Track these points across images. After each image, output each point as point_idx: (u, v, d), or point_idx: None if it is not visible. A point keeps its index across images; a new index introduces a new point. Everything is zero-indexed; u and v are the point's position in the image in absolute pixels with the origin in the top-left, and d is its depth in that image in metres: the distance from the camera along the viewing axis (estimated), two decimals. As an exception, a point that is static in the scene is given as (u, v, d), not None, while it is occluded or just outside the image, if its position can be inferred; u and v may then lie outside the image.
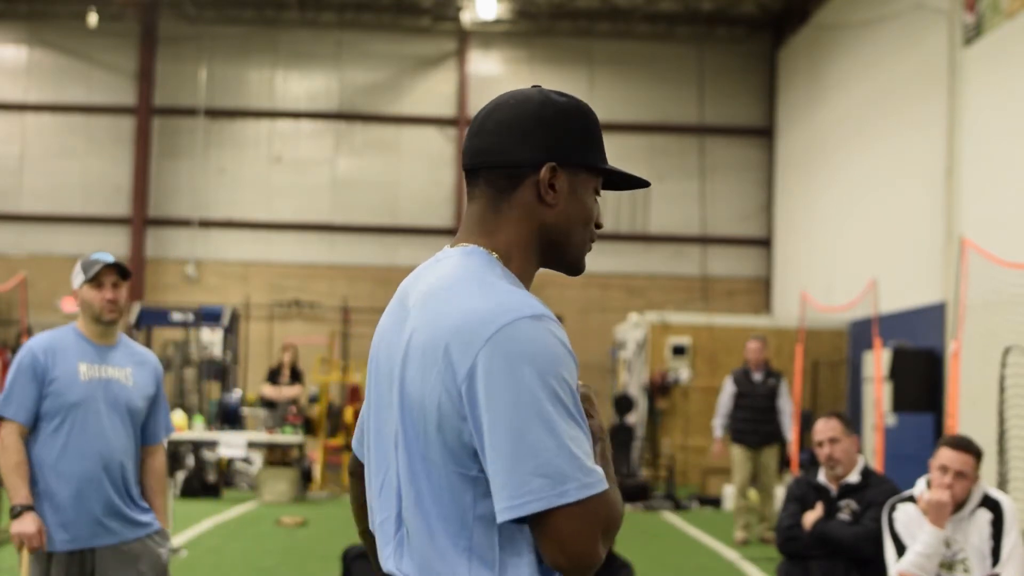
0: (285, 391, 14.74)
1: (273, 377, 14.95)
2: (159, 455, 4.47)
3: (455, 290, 1.79)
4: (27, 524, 4.07)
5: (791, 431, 11.28)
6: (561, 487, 1.66)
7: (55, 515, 4.14)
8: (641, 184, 2.01)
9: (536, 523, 1.70)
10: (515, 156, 1.87)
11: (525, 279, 1.90)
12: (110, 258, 4.27)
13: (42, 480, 4.16)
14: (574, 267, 1.96)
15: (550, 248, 1.91)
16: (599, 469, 1.71)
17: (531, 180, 1.87)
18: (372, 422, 1.91)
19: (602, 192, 1.99)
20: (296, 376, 14.92)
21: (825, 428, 5.72)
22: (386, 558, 1.83)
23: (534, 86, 1.96)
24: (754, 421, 11.08)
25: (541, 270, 1.98)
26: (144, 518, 4.29)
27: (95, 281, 4.24)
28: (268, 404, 14.77)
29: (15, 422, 4.17)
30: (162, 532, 4.35)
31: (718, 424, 11.41)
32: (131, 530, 4.24)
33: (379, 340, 1.92)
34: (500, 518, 1.69)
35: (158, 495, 4.40)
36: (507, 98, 1.92)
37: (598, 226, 1.96)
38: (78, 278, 4.27)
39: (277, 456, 14.20)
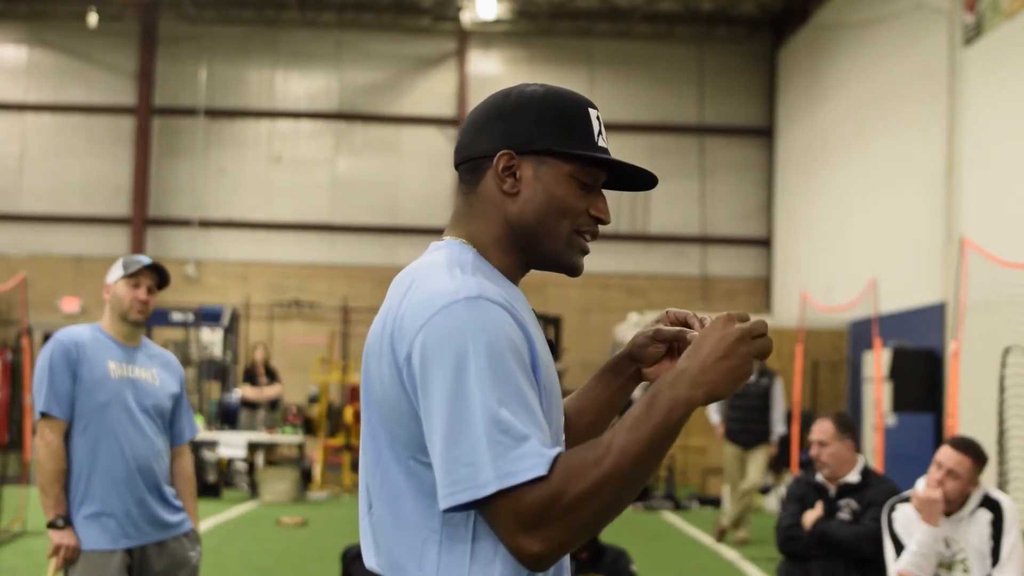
0: (267, 391, 14.71)
1: (250, 378, 14.89)
2: (186, 456, 4.44)
3: (407, 284, 1.78)
4: (71, 536, 4.06)
5: (779, 429, 11.27)
6: (481, 478, 1.59)
7: (92, 516, 4.09)
8: (644, 176, 1.90)
9: (479, 512, 1.65)
10: (475, 149, 1.85)
11: (508, 275, 1.85)
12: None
13: (75, 482, 4.10)
14: (558, 262, 1.87)
15: (524, 242, 1.84)
16: (529, 453, 1.59)
17: (491, 171, 1.84)
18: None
19: (615, 191, 1.95)
20: (271, 375, 14.89)
21: (817, 430, 5.71)
22: (368, 556, 1.84)
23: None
24: (746, 421, 11.12)
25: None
26: (176, 518, 4.26)
27: (133, 279, 4.18)
28: (249, 405, 14.71)
29: (60, 420, 4.09)
30: (191, 533, 4.32)
31: (712, 414, 11.49)
32: (164, 531, 4.22)
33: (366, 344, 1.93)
34: (440, 506, 1.64)
35: (187, 497, 4.37)
36: (489, 96, 1.91)
37: (600, 221, 1.86)
38: (116, 272, 4.21)
39: (271, 457, 14.21)
